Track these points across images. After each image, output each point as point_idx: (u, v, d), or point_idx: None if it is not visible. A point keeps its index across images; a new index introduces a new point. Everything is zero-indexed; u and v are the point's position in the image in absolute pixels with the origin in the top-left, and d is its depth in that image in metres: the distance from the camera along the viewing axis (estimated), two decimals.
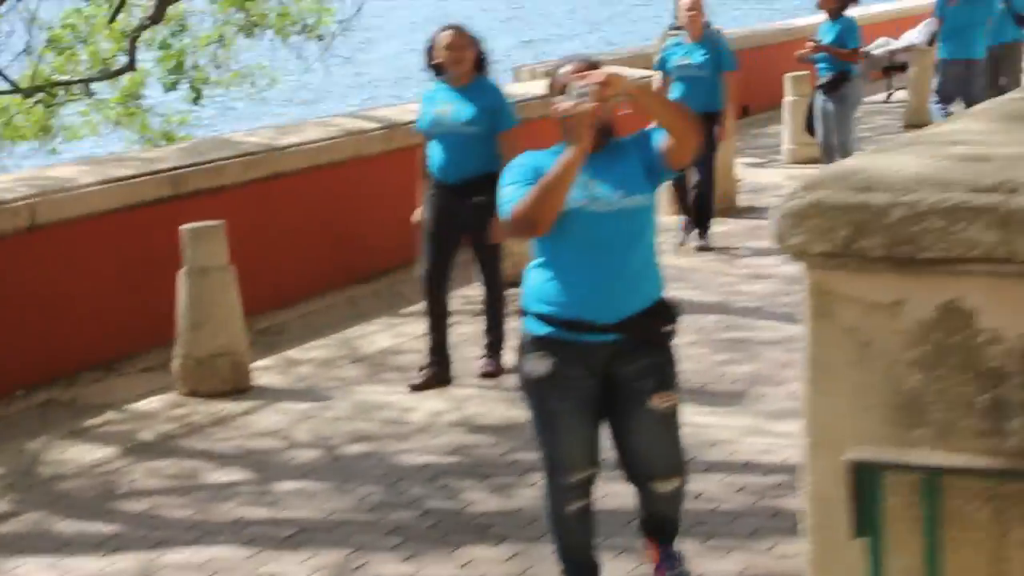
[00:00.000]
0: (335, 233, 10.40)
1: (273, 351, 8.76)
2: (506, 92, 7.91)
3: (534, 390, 4.48)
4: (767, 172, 14.43)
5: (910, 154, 3.04)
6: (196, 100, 18.30)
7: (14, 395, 8.34)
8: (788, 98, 14.60)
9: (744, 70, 16.38)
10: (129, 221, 9.01)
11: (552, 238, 4.35)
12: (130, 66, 15.84)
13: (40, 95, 16.41)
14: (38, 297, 8.51)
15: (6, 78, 15.67)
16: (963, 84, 13.29)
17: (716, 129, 10.54)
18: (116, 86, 17.79)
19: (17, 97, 16.03)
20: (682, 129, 4.30)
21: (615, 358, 4.42)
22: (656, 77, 10.71)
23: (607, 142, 4.45)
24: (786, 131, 14.84)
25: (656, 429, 4.46)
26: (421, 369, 7.71)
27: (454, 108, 7.52)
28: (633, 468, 4.55)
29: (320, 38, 17.82)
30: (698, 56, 10.60)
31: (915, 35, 19.24)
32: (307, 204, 10.28)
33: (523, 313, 4.50)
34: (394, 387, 7.69)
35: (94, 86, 17.35)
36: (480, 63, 7.66)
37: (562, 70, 4.38)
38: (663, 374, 4.48)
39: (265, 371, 8.21)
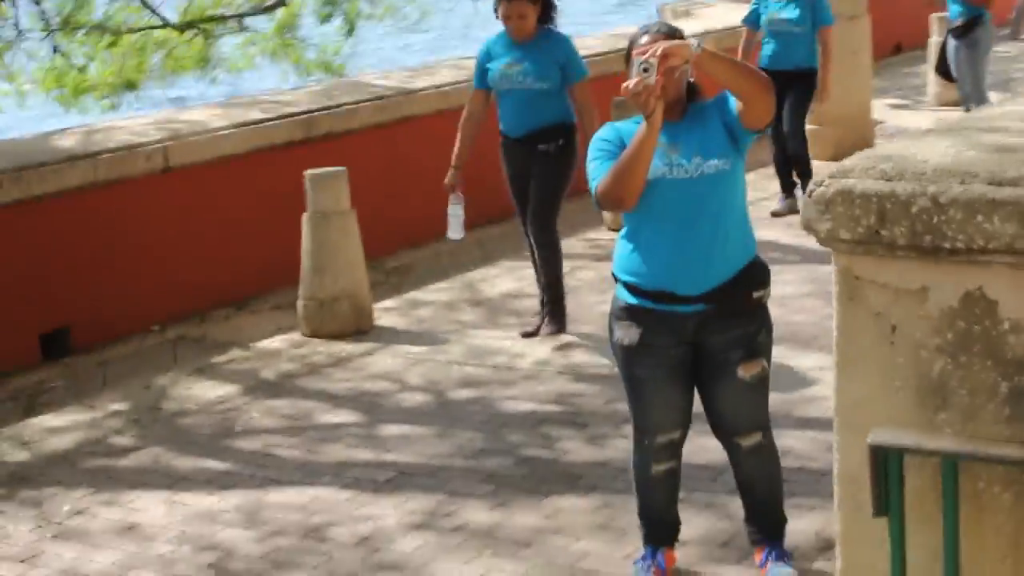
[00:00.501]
0: (464, 175, 10.57)
1: (398, 292, 9.00)
2: (574, 44, 7.65)
3: (623, 357, 4.57)
4: (910, 115, 14.20)
5: (942, 142, 3.08)
6: (350, 32, 18.57)
7: (149, 330, 8.73)
8: (933, 39, 14.33)
9: (897, 6, 16.05)
10: (261, 163, 9.30)
11: (637, 207, 4.42)
12: (281, 2, 16.14)
13: (196, 29, 16.82)
14: (173, 237, 8.86)
15: (157, 14, 16.05)
16: None
17: (812, 88, 10.25)
18: (273, 19, 18.12)
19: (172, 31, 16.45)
20: (750, 92, 4.29)
21: (703, 327, 4.46)
22: (745, 31, 10.36)
23: (688, 108, 4.49)
24: (931, 72, 14.56)
25: (743, 395, 4.51)
26: (535, 315, 7.86)
27: (521, 65, 7.39)
28: (719, 427, 4.64)
29: None
30: (792, 10, 10.08)
31: None
32: (437, 146, 10.45)
33: (615, 279, 4.59)
34: (509, 331, 7.86)
35: (251, 19, 17.71)
36: (545, 14, 7.47)
37: (638, 41, 4.42)
38: (751, 343, 4.49)
39: (387, 312, 8.45)
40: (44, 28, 12.82)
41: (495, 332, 7.94)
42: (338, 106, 9.98)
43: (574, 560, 4.95)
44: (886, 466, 2.96)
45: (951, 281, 2.91)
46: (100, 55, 14.84)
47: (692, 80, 4.55)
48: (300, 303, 8.15)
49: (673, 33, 4.44)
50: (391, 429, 6.42)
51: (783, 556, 4.67)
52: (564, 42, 7.56)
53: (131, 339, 8.63)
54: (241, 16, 17.64)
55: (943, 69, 12.27)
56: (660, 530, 4.73)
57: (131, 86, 19.21)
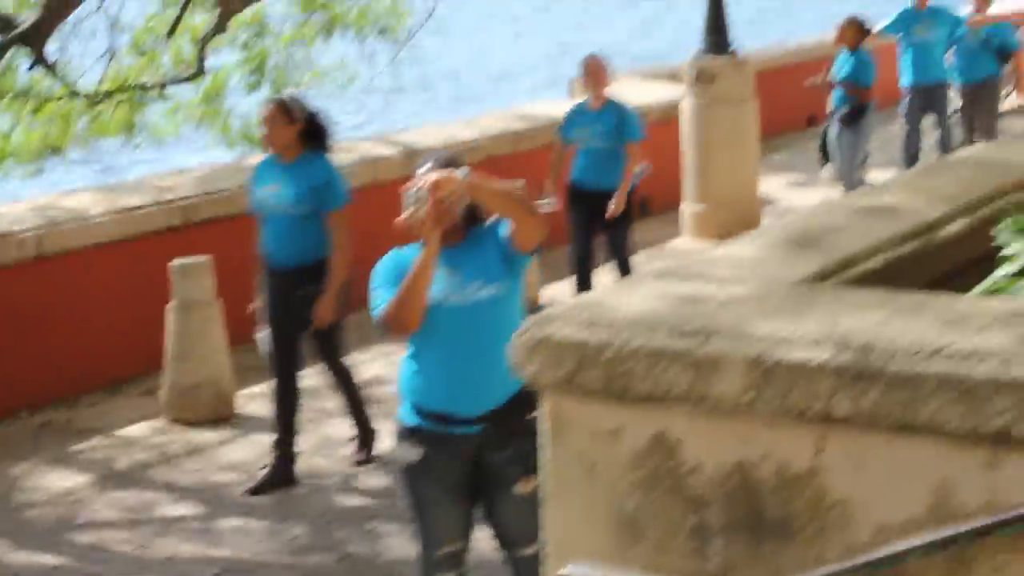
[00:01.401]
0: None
1: (264, 378, 9.13)
2: (336, 167, 7.34)
3: (407, 474, 4.79)
4: (805, 192, 14.44)
5: (641, 291, 3.31)
6: None
7: (17, 415, 8.82)
8: None
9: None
10: (136, 250, 9.43)
11: (419, 331, 4.63)
12: (199, 72, 16.27)
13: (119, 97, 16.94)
14: (44, 323, 8.97)
15: (68, 85, 16.11)
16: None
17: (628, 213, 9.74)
18: (200, 86, 18.23)
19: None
20: (518, 219, 4.54)
21: (482, 447, 4.69)
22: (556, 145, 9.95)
23: (467, 233, 4.72)
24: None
25: (522, 509, 4.69)
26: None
27: (281, 187, 7.10)
28: (501, 539, 4.86)
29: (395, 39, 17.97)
30: (599, 127, 9.63)
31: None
32: None
33: (400, 399, 4.79)
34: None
35: (181, 88, 17.83)
36: (311, 134, 7.16)
37: (419, 171, 4.64)
38: (528, 461, 4.61)
39: (253, 399, 8.58)
40: None
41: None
42: (217, 191, 10.14)
43: None
44: None
45: (640, 424, 3.12)
46: (24, 121, 14.94)
47: (474, 205, 4.77)
48: (163, 389, 8.31)
49: (451, 163, 4.66)
50: (227, 523, 6.58)
51: None
52: (325, 166, 7.21)
53: None
54: (163, 85, 17.80)
55: (824, 150, 12.71)
56: None
57: (55, 151, 19.30)
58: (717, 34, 12.44)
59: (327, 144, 7.28)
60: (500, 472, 4.70)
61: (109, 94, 17.19)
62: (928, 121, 13.11)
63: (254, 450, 7.59)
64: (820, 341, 2.87)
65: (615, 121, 9.58)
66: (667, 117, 13.46)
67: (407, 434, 4.75)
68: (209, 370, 8.22)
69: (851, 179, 12.09)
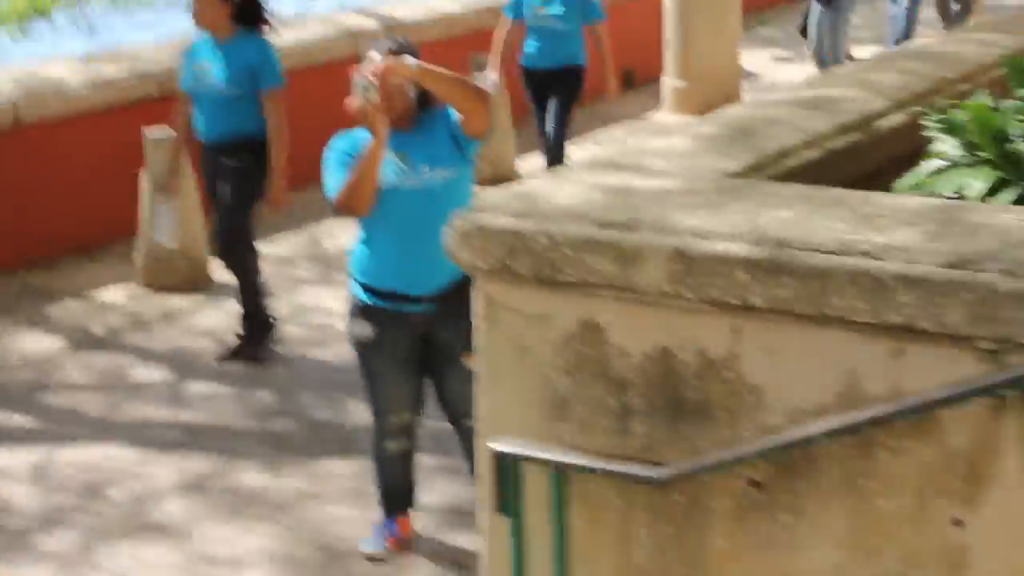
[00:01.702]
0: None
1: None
2: (272, 47, 7.10)
3: (360, 350, 4.96)
4: (790, 68, 14.42)
5: (574, 181, 3.41)
6: None
7: None
8: None
9: None
10: (113, 120, 9.46)
11: (371, 214, 4.73)
12: None
13: None
14: (24, 188, 9.04)
15: None
16: None
17: (578, 88, 9.34)
18: None
19: None
20: (464, 104, 4.61)
21: (431, 323, 4.85)
22: (503, 23, 9.43)
23: (417, 119, 4.80)
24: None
25: (467, 381, 4.81)
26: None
27: (213, 67, 6.95)
28: (449, 409, 5.04)
29: None
30: (557, 6, 9.15)
31: None
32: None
33: (351, 279, 4.92)
34: (339, 289, 8.14)
35: None
36: (243, 14, 6.97)
37: (369, 56, 4.71)
38: (464, 336, 4.80)
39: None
40: None
41: (325, 290, 8.23)
42: None
43: (325, 524, 5.31)
44: (506, 472, 3.32)
45: (569, 310, 3.25)
46: None
47: (425, 91, 4.84)
48: (138, 256, 8.41)
49: (401, 48, 4.72)
50: (195, 388, 6.73)
51: None
52: (260, 46, 7.03)
53: None
54: None
55: (805, 29, 12.66)
56: (394, 500, 5.11)
57: (42, 14, 19.15)
58: None
59: (261, 24, 7.08)
60: (447, 347, 4.87)
61: None
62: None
63: (227, 317, 7.71)
64: (738, 235, 2.98)
65: (575, 1, 9.16)
66: None
67: (359, 312, 4.89)
68: (183, 237, 8.31)
69: (838, 59, 12.07)
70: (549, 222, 3.20)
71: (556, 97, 9.28)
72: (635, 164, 3.52)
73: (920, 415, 2.84)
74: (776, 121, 3.87)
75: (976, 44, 4.82)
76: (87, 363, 7.13)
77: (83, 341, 7.48)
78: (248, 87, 6.91)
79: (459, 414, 4.98)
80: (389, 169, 4.71)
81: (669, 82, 12.81)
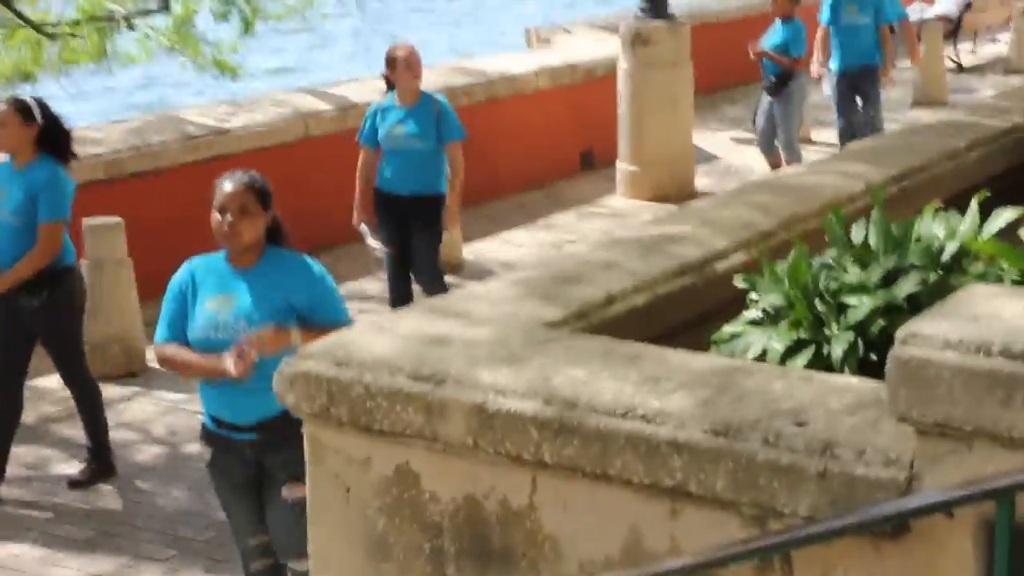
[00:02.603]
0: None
1: None
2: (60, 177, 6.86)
3: (208, 472, 5.10)
4: (747, 151, 14.60)
5: (396, 330, 3.57)
6: (246, 31, 18.74)
7: None
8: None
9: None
10: None
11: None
12: (165, 6, 16.35)
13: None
14: None
15: (25, 19, 16.22)
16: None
17: (438, 217, 8.56)
18: (171, 16, 18.32)
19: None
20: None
21: (260, 451, 4.88)
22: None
23: (264, 253, 4.88)
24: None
25: (289, 517, 4.80)
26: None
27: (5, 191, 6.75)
28: (275, 547, 5.01)
29: None
30: (412, 125, 8.46)
31: (948, 4, 19.35)
32: None
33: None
34: None
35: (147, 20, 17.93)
36: (48, 139, 6.77)
37: (220, 186, 4.81)
38: (299, 467, 4.38)
39: None
40: None
41: None
42: (147, 145, 10.35)
43: None
44: None
45: (385, 455, 3.41)
46: None
47: (277, 219, 4.95)
48: None
49: (253, 184, 4.79)
50: (110, 484, 6.86)
51: None
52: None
53: None
54: (129, 16, 17.93)
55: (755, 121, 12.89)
56: None
57: (27, 78, 19.39)
58: (654, 0, 12.59)
59: (65, 152, 6.92)
60: (272, 476, 4.87)
61: (76, 23, 17.38)
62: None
63: (154, 409, 7.87)
64: (532, 393, 3.15)
65: (432, 119, 8.47)
66: (615, 71, 13.52)
67: (202, 435, 5.03)
68: (119, 326, 8.48)
69: (791, 148, 12.26)
70: (366, 371, 3.36)
71: (417, 230, 8.54)
72: (461, 311, 3.68)
73: (694, 574, 2.98)
74: (611, 265, 4.04)
75: (838, 176, 4.98)
76: (14, 456, 7.25)
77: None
78: (32, 217, 6.70)
79: (279, 551, 4.95)
80: (206, 319, 4.79)
81: (622, 166, 13.04)
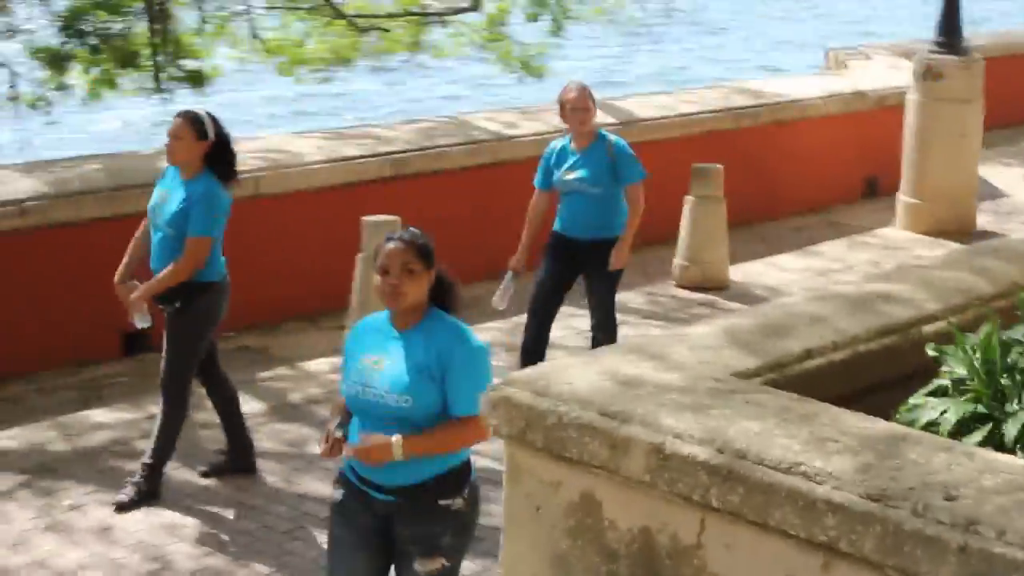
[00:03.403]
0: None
1: None
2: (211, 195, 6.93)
3: (331, 512, 4.93)
4: None
5: (594, 368, 3.84)
6: (556, 32, 19.28)
7: (225, 336, 9.82)
8: None
9: None
10: (349, 196, 10.28)
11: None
12: (475, 6, 17.02)
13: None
14: (258, 255, 9.92)
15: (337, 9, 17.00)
16: None
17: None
18: (481, 14, 19.02)
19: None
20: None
21: (392, 516, 4.69)
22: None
23: (424, 317, 4.69)
24: None
25: None
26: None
27: (167, 199, 6.94)
28: None
29: None
30: (584, 170, 8.23)
31: None
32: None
33: None
34: None
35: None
36: (215, 157, 6.93)
37: (384, 247, 4.67)
38: (432, 543, 4.65)
39: None
40: (269, 4, 13.97)
41: None
42: (433, 147, 10.89)
43: None
44: None
45: (572, 481, 3.69)
46: (317, 32, 15.99)
47: (442, 276, 4.77)
48: (346, 330, 9.16)
49: (415, 242, 4.65)
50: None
51: None
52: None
53: None
54: (442, 14, 18.70)
55: None
56: None
57: (344, 62, 20.39)
58: (949, 35, 12.46)
59: (227, 171, 7.04)
60: (403, 547, 4.72)
61: (391, 16, 18.25)
62: None
63: None
64: (708, 440, 3.37)
65: (606, 162, 8.25)
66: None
67: (338, 478, 4.85)
68: None
69: None
70: (561, 403, 3.66)
71: (593, 274, 8.37)
72: (659, 353, 3.93)
73: None
74: (818, 319, 4.21)
75: None
76: (275, 432, 7.82)
77: (279, 409, 8.21)
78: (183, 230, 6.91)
79: None
80: (356, 378, 4.68)
81: (902, 198, 12.93)
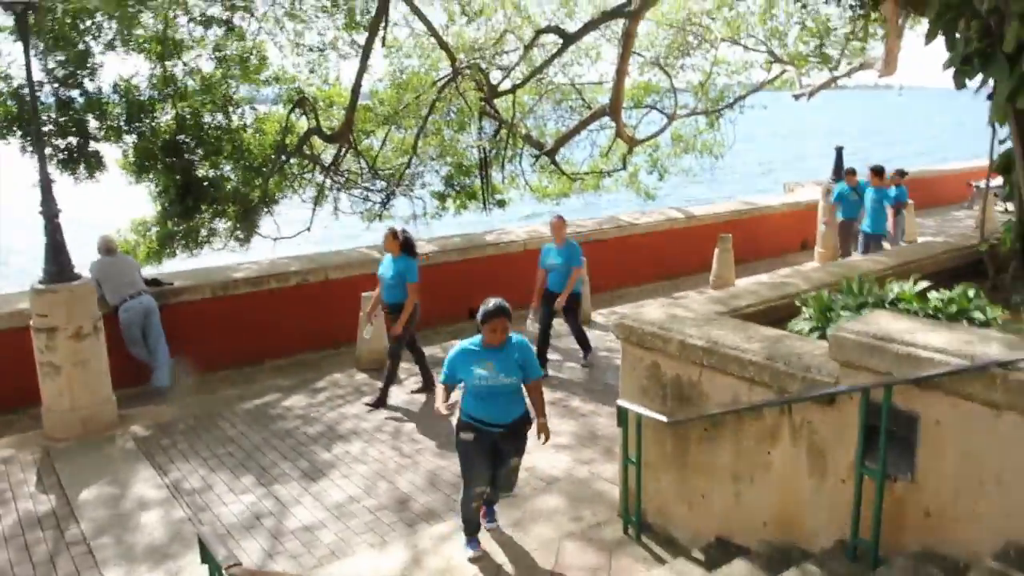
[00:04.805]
0: None
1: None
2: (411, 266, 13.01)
3: (462, 444, 8.96)
4: None
5: (660, 309, 9.06)
6: (662, 177, 24.80)
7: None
8: None
9: None
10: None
11: (470, 385, 8.88)
12: (623, 167, 23.34)
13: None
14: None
15: (563, 171, 23.58)
16: None
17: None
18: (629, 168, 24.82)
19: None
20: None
21: (500, 438, 8.90)
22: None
23: (505, 343, 8.79)
24: None
25: (512, 472, 9.20)
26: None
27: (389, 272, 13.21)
28: (494, 483, 9.19)
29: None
30: (558, 257, 14.03)
31: None
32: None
33: (461, 411, 8.97)
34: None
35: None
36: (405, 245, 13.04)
37: (487, 309, 8.79)
38: (520, 449, 9.02)
39: None
40: (534, 165, 22.14)
41: None
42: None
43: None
44: (626, 421, 8.94)
45: (648, 357, 8.78)
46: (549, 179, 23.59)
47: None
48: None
49: (503, 308, 8.77)
50: None
51: (493, 515, 9.63)
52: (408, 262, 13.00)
53: None
54: (610, 172, 24.30)
55: None
56: (473, 529, 9.38)
57: (565, 195, 25.46)
58: (836, 172, 20.82)
59: (412, 252, 13.03)
60: (506, 454, 8.98)
61: (587, 173, 24.33)
62: None
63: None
64: (703, 337, 8.44)
65: (567, 255, 14.11)
66: None
67: (466, 425, 8.92)
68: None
69: None
70: (643, 324, 8.79)
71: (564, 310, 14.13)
72: (685, 305, 9.14)
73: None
74: (753, 292, 9.35)
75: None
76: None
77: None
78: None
79: (498, 486, 9.26)
80: (483, 371, 8.72)
81: (816, 250, 21.73)
